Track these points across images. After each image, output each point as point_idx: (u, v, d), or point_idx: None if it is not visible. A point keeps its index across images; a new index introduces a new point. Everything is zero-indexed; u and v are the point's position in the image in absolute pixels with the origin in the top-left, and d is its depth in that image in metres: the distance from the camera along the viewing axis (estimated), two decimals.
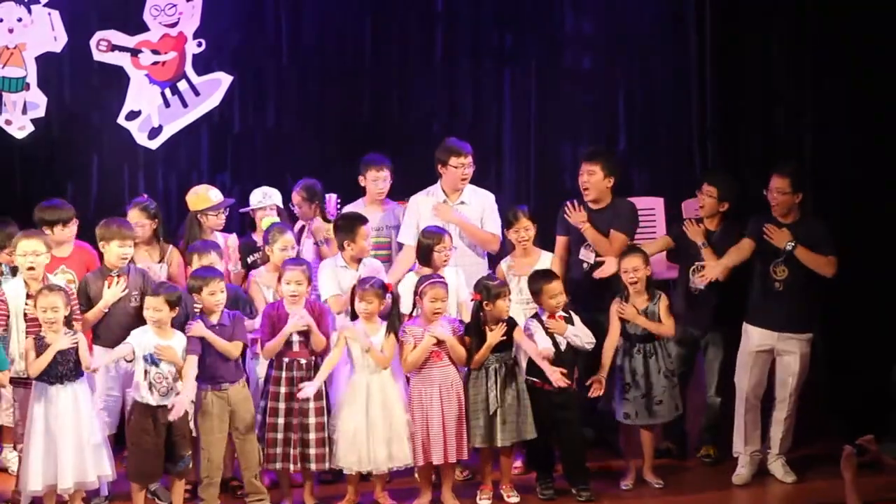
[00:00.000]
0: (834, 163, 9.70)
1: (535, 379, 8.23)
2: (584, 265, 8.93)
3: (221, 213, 9.00)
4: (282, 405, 8.06)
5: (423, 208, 8.99)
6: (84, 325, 8.04)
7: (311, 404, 8.05)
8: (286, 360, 8.08)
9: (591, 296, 8.79)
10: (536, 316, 8.33)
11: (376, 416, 8.03)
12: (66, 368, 7.68)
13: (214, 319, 7.95)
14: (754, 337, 8.56)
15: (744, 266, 8.60)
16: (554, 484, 8.34)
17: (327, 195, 9.32)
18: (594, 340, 8.34)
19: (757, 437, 8.66)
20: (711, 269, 8.55)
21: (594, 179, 8.87)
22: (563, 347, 8.27)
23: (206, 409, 7.94)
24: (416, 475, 8.31)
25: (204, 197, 8.99)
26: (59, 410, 7.64)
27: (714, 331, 8.91)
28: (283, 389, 8.07)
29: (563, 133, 10.67)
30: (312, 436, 8.05)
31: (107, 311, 8.18)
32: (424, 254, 8.47)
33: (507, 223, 8.78)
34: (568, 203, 8.94)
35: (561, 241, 9.01)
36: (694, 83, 10.37)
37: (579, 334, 8.28)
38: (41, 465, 7.61)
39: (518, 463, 8.58)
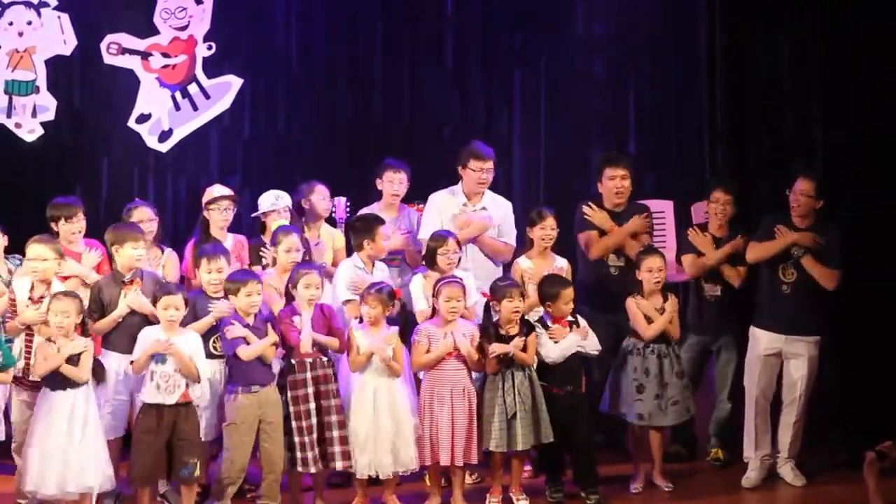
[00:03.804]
0: (844, 166, 9.68)
1: (544, 383, 8.21)
2: (613, 269, 8.97)
3: (224, 209, 8.84)
4: (312, 405, 8.00)
5: (443, 206, 8.97)
6: (94, 332, 7.97)
7: (332, 402, 8.02)
8: (308, 360, 8.03)
9: (612, 297, 8.80)
10: (541, 320, 8.32)
11: (383, 419, 8.00)
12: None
13: (249, 321, 7.93)
14: (762, 340, 8.56)
15: (756, 270, 8.60)
16: (563, 488, 8.32)
17: (336, 198, 9.29)
18: (559, 357, 8.23)
19: (767, 440, 8.65)
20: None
21: (627, 183, 8.97)
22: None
23: (237, 411, 7.88)
24: (426, 479, 8.30)
25: (208, 192, 8.96)
26: (62, 416, 7.54)
27: (727, 335, 8.92)
28: (310, 390, 8.00)
29: (573, 136, 10.65)
30: (336, 433, 8.00)
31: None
32: (430, 257, 8.45)
33: (531, 221, 8.72)
34: (587, 206, 8.97)
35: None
36: (704, 86, 10.35)
37: (561, 347, 8.24)
38: (44, 469, 7.51)
39: (527, 467, 8.57)
